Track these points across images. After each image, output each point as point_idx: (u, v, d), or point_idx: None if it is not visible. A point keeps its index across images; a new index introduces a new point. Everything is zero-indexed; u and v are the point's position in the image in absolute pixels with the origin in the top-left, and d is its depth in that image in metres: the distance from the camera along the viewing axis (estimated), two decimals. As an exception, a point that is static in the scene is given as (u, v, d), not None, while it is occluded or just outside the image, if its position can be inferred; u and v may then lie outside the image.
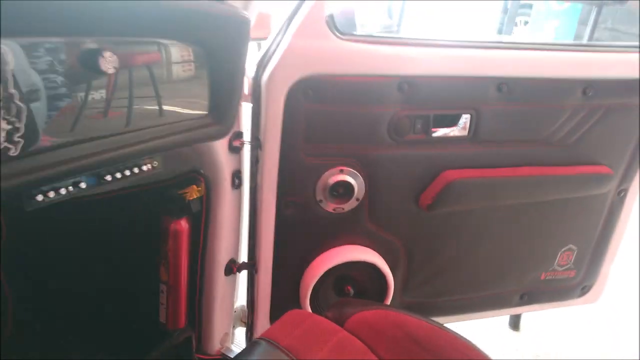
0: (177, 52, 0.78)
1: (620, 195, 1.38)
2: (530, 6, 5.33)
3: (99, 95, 0.64)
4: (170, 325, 1.12)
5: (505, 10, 2.67)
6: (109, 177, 0.71)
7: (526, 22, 6.77)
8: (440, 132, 1.15)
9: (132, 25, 0.66)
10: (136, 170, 0.76)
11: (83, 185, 0.67)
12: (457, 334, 0.83)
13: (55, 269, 1.10)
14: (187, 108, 0.81)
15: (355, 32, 1.03)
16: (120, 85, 0.67)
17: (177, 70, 0.80)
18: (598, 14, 1.95)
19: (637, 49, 1.20)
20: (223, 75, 0.82)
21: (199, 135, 0.82)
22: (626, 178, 1.35)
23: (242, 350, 0.80)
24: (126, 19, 0.64)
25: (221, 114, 0.84)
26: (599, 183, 1.30)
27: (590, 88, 1.17)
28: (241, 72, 0.84)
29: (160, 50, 0.75)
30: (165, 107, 0.77)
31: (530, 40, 1.18)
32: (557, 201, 1.29)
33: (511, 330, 1.74)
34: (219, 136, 0.87)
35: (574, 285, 1.47)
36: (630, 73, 1.20)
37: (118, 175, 0.72)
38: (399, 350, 0.82)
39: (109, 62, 0.61)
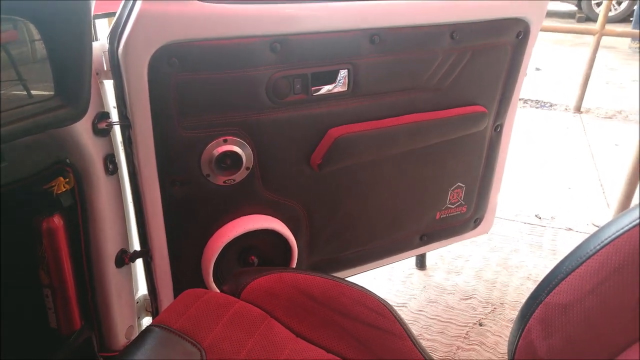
0: (16, 28, 0.69)
1: (497, 131, 1.48)
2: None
3: None
4: (64, 329, 1.04)
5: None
6: None
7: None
8: (321, 90, 1.14)
9: None
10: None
11: None
12: (349, 282, 0.86)
13: None
14: (29, 91, 0.73)
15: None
16: None
17: (11, 50, 0.71)
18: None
19: None
20: (65, 50, 0.74)
21: (48, 121, 0.74)
22: (500, 114, 1.45)
23: (132, 341, 0.76)
24: None
25: (70, 94, 0.76)
26: (475, 122, 1.38)
27: (456, 32, 1.22)
28: (86, 46, 0.76)
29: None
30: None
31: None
32: (441, 143, 1.36)
33: (418, 270, 1.84)
34: (72, 119, 0.79)
35: (467, 219, 1.58)
36: (491, 15, 1.26)
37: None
38: (296, 309, 0.83)
39: None
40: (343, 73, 1.14)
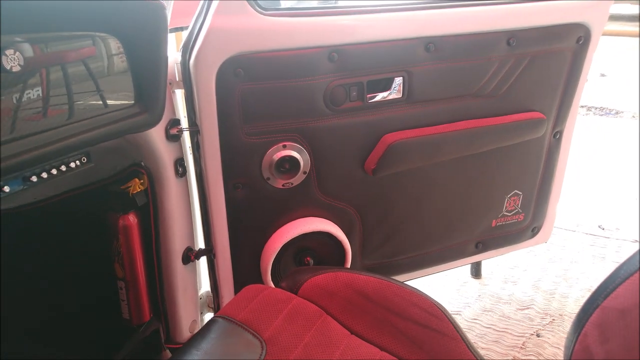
0: (95, 44, 0.78)
1: (556, 138, 1.45)
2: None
3: (11, 94, 0.63)
4: (135, 320, 1.13)
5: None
6: (34, 178, 0.70)
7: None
8: (376, 97, 1.17)
9: (37, 19, 0.65)
10: (63, 168, 0.76)
11: (7, 189, 0.67)
12: (403, 284, 0.88)
13: (9, 279, 1.08)
14: (112, 99, 0.81)
15: (278, 7, 1.04)
16: (33, 82, 0.66)
17: (98, 63, 0.79)
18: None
19: None
20: (144, 62, 0.82)
21: (128, 126, 0.82)
22: (559, 120, 1.42)
23: (198, 331, 0.82)
24: (30, 13, 0.63)
25: (148, 102, 0.84)
26: (533, 128, 1.36)
27: (513, 38, 1.22)
28: (163, 59, 0.84)
29: (76, 44, 0.74)
30: (87, 101, 0.77)
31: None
32: (497, 150, 1.35)
33: (473, 278, 1.81)
34: (149, 125, 0.87)
35: (524, 227, 1.54)
36: (549, 20, 1.25)
37: (44, 175, 0.72)
38: (351, 307, 0.86)
39: (12, 60, 0.60)
40: (398, 81, 1.17)
